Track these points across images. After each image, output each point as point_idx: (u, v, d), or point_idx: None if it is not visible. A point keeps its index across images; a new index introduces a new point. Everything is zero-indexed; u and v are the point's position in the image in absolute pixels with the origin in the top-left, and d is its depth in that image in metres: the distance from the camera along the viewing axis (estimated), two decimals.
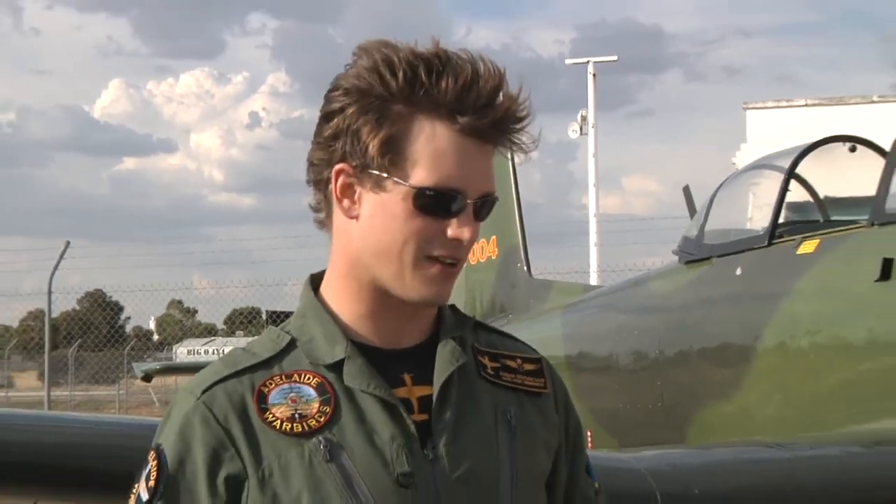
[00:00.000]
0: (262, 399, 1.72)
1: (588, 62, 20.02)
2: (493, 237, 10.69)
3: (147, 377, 16.01)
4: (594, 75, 19.72)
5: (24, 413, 7.67)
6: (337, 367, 1.75)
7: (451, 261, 1.75)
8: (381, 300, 1.78)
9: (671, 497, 4.04)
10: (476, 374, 1.82)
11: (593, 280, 17.73)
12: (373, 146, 1.70)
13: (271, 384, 1.73)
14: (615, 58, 20.93)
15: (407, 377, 1.77)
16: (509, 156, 1.83)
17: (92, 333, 31.29)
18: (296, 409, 1.71)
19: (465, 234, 1.72)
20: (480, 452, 1.75)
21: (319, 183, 1.79)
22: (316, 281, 1.86)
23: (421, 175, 1.70)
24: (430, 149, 1.70)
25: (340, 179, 1.74)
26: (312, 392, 1.73)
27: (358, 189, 1.74)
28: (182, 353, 39.16)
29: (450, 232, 1.72)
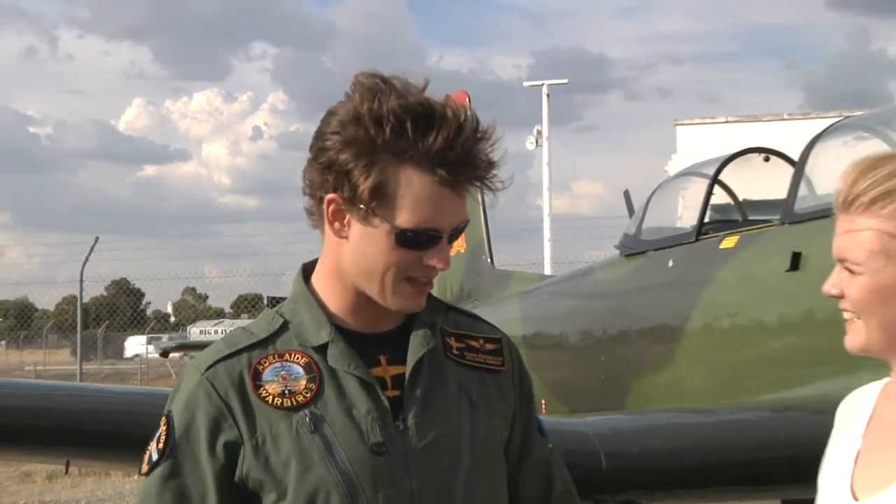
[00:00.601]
0: (257, 376, 1.72)
1: (543, 84, 19.96)
2: (463, 234, 10.66)
3: (165, 353, 16.01)
4: (548, 95, 19.69)
5: (59, 384, 7.65)
6: (322, 349, 1.74)
7: (425, 279, 1.75)
8: (363, 299, 1.77)
9: (612, 455, 4.06)
10: (443, 355, 1.81)
11: (547, 270, 17.72)
12: (362, 188, 1.67)
13: (265, 362, 1.73)
14: (566, 80, 20.91)
15: (383, 358, 1.77)
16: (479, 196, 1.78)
17: (118, 316, 31.12)
18: (286, 386, 1.71)
19: (439, 263, 1.72)
20: (445, 424, 1.75)
21: (313, 196, 1.75)
22: (307, 270, 1.85)
23: (404, 217, 1.68)
24: (413, 196, 1.67)
25: (332, 207, 1.72)
26: (301, 370, 1.73)
27: (347, 215, 1.71)
28: (195, 332, 39.06)
29: (426, 261, 1.72)
